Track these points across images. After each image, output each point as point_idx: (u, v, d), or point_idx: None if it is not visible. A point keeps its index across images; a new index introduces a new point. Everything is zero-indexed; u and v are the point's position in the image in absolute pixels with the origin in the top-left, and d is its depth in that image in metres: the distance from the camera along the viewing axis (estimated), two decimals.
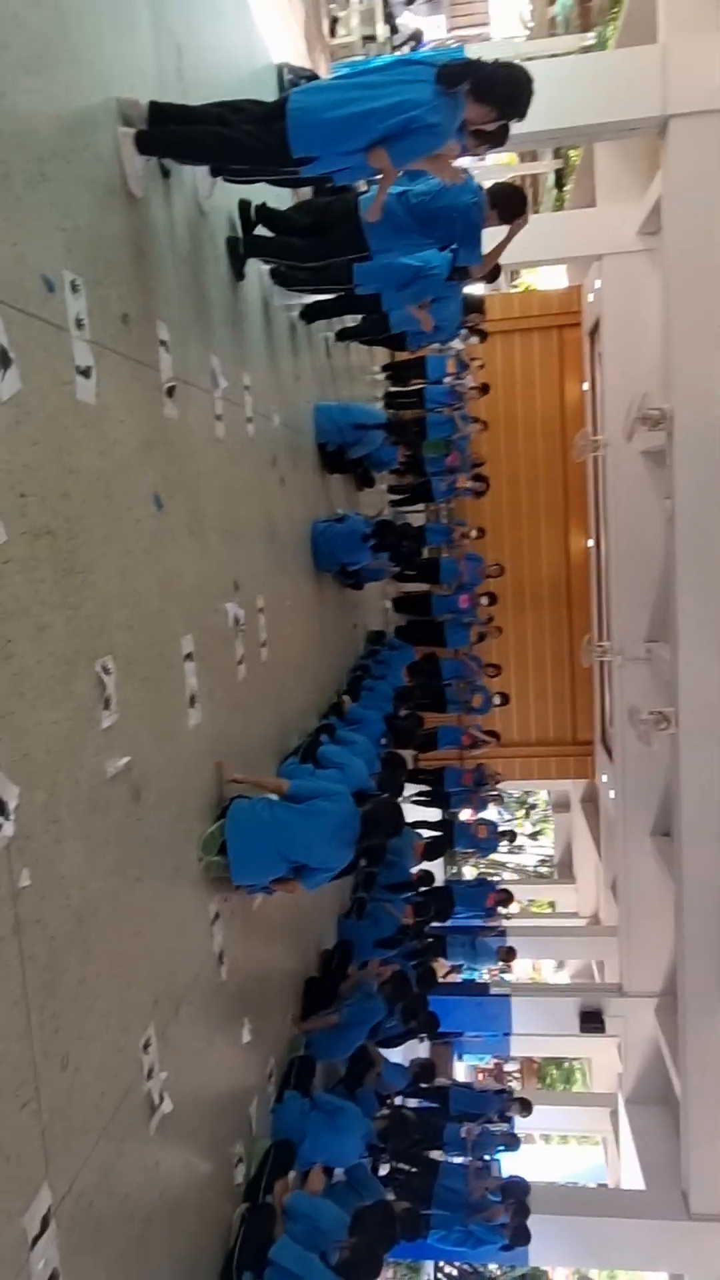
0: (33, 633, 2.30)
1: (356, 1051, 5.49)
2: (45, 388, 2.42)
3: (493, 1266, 14.85)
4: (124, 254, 3.05)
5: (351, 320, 7.35)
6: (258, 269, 5.00)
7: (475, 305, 8.31)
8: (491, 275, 7.04)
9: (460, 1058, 14.19)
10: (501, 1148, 6.63)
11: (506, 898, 9.85)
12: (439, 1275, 15.03)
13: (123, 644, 2.85)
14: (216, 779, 3.81)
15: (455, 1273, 15.16)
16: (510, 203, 4.52)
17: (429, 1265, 13.44)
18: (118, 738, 2.77)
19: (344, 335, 7.50)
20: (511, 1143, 6.75)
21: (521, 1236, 5.99)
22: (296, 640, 5.71)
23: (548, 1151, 18.91)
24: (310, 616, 6.25)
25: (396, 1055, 7.06)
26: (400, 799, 6.36)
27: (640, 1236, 7.86)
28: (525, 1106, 7.61)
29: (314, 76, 6.00)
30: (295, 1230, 3.69)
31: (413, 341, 7.91)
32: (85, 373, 2.65)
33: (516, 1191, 6.13)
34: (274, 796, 4.03)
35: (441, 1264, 13.81)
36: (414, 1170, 6.25)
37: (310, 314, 6.20)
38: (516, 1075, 16.81)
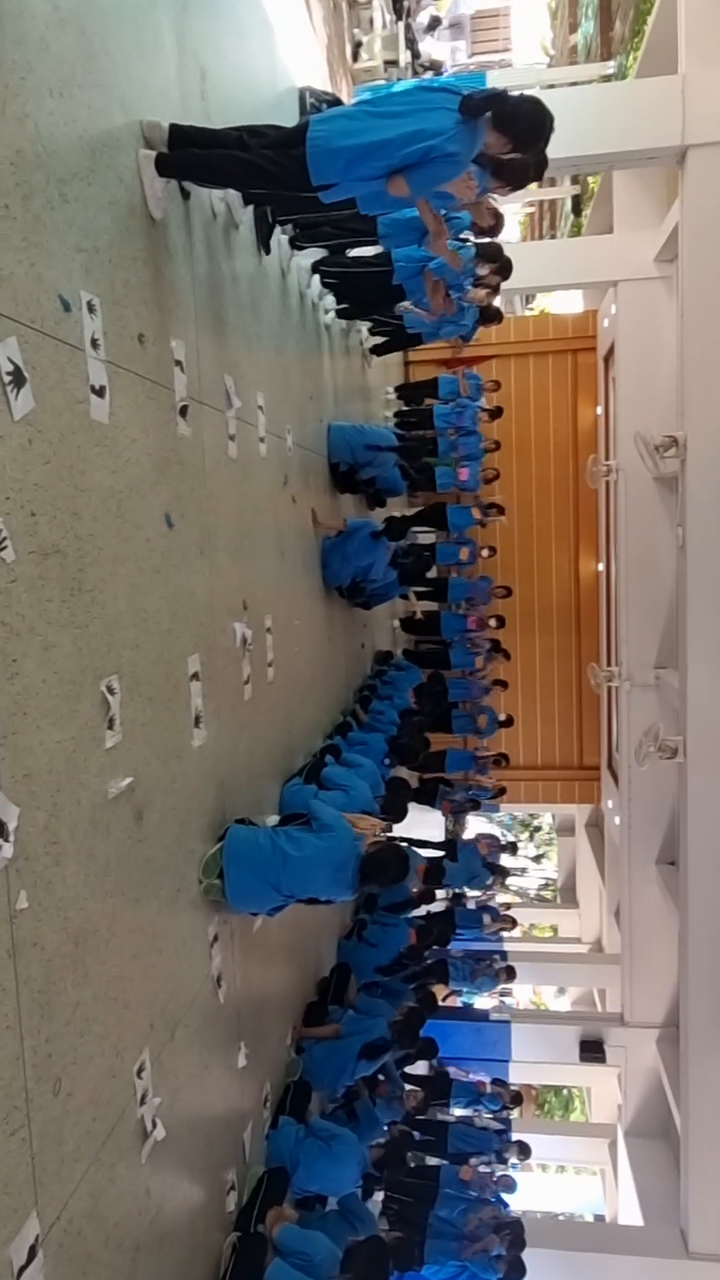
0: (39, 651, 2.29)
1: (354, 1085, 5.42)
2: (59, 407, 2.42)
3: None
4: (142, 274, 3.06)
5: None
6: (279, 290, 5.04)
7: (492, 316, 8.29)
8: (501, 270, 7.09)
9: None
10: (499, 1192, 6.53)
11: (509, 923, 9.80)
12: None
13: (129, 663, 2.84)
14: (219, 799, 3.79)
15: None
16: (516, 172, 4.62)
17: None
18: (121, 758, 2.75)
19: (377, 350, 7.52)
20: (509, 1186, 6.66)
21: (516, 1271, 5.89)
22: (304, 660, 5.69)
23: (545, 1180, 18.67)
24: (318, 636, 6.23)
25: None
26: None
27: (638, 1274, 7.71)
28: (524, 1151, 7.53)
29: (336, 100, 6.05)
30: (288, 1262, 3.63)
31: (426, 333, 7.84)
32: (99, 392, 2.66)
33: (512, 1228, 6.04)
34: (273, 821, 4.01)
35: None
36: (409, 1200, 6.17)
37: (345, 313, 6.20)
38: (516, 1114, 16.60)
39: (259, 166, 3.22)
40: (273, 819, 4.34)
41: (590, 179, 13.46)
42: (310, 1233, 3.83)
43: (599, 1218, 14.38)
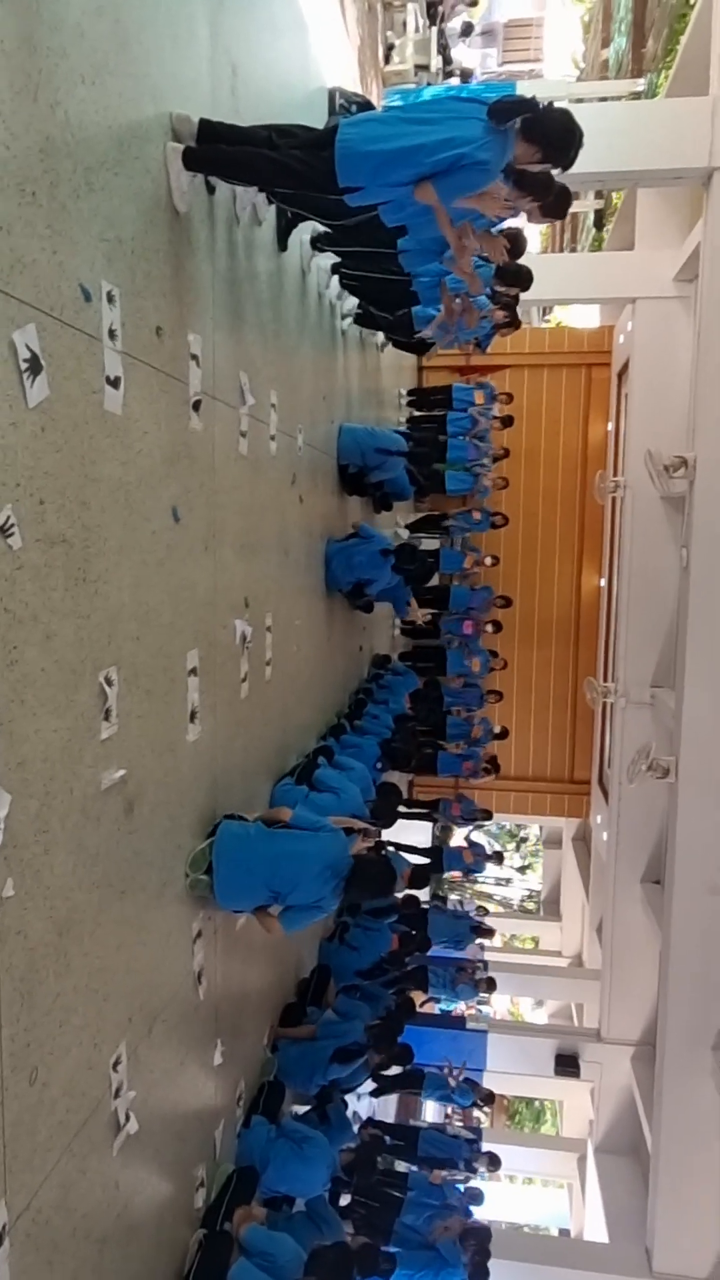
0: (40, 640, 2.28)
1: (326, 1087, 5.41)
2: (73, 396, 2.42)
3: None
4: (163, 267, 3.06)
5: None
6: (298, 289, 5.03)
7: (509, 322, 8.27)
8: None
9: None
10: (469, 1203, 6.52)
11: (488, 931, 9.82)
12: None
13: (129, 655, 2.84)
14: (211, 795, 3.79)
15: None
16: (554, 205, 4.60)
17: None
18: (115, 749, 2.75)
19: (362, 321, 7.53)
20: (476, 1197, 6.66)
21: (481, 1272, 5.89)
22: (302, 659, 5.69)
23: (513, 1191, 18.66)
24: (318, 636, 6.23)
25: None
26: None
27: None
28: (494, 1162, 7.54)
29: (366, 103, 6.06)
30: (253, 1262, 3.63)
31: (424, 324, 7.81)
32: (114, 383, 2.65)
33: (479, 1237, 6.03)
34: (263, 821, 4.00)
35: None
36: (376, 1205, 6.16)
37: (362, 319, 6.23)
38: (486, 1112, 16.61)
39: (287, 166, 3.22)
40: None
41: (614, 194, 13.47)
42: (276, 1234, 3.83)
43: (564, 1232, 14.39)
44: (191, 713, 3.50)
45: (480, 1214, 6.48)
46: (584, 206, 16.17)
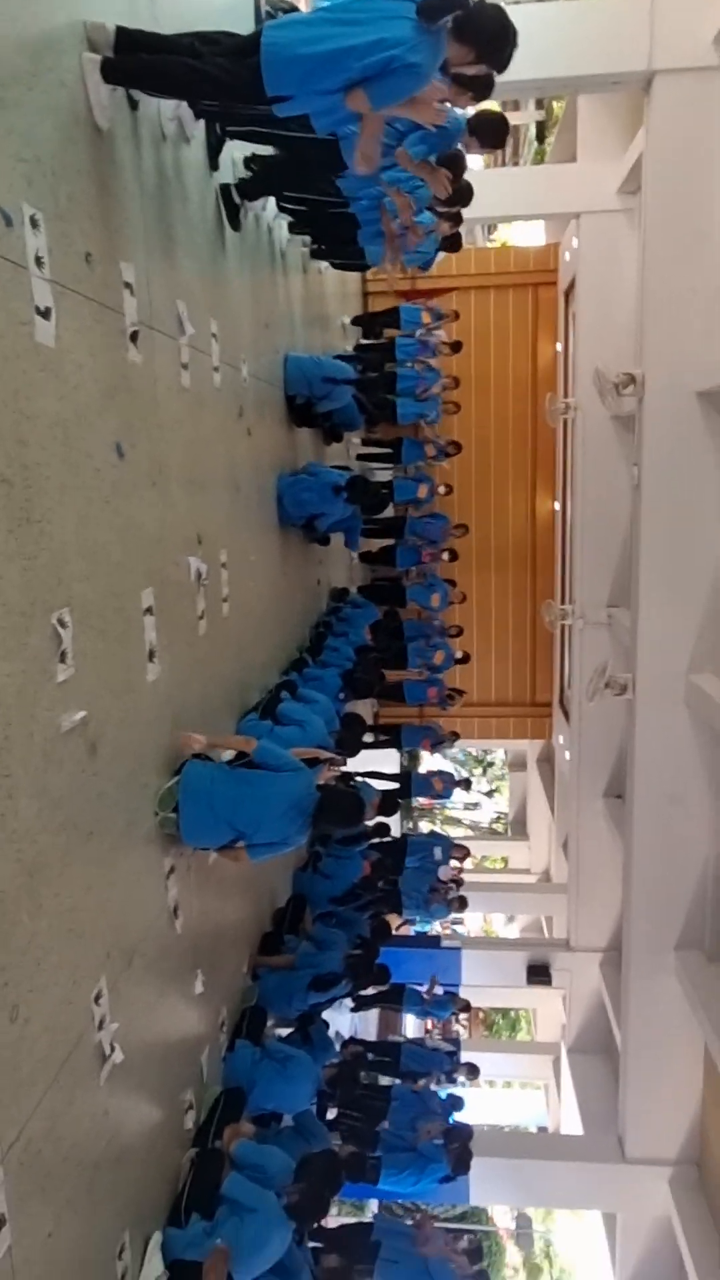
0: None
1: (309, 1010, 5.57)
2: (2, 328, 2.33)
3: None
4: (88, 189, 2.92)
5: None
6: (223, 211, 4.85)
7: (453, 242, 8.09)
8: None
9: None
10: (448, 1107, 6.83)
11: (463, 853, 10.07)
12: (383, 1212, 15.53)
13: (80, 596, 2.79)
14: (175, 735, 3.79)
15: (401, 1210, 15.68)
16: (490, 131, 4.47)
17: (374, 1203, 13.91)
18: (74, 692, 2.72)
19: (318, 255, 7.35)
20: (456, 1104, 6.97)
21: (463, 1163, 6.20)
22: (259, 595, 5.66)
23: (492, 1096, 19.55)
24: (274, 571, 6.19)
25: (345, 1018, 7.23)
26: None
27: (577, 1178, 8.18)
28: (472, 1072, 7.87)
29: (293, 8, 5.76)
30: (244, 1174, 3.77)
31: (375, 259, 7.65)
32: (45, 314, 2.55)
33: (460, 1135, 6.34)
34: (229, 756, 4.01)
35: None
36: (361, 1115, 6.42)
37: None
38: (464, 1023, 17.29)
39: (211, 75, 3.07)
40: (227, 755, 4.35)
41: (555, 104, 13.10)
42: (265, 1147, 3.98)
43: (542, 1129, 15.17)
44: (150, 652, 3.47)
45: (461, 1119, 6.80)
46: (525, 118, 15.74)
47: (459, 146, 4.77)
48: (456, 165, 5.12)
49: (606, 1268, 8.72)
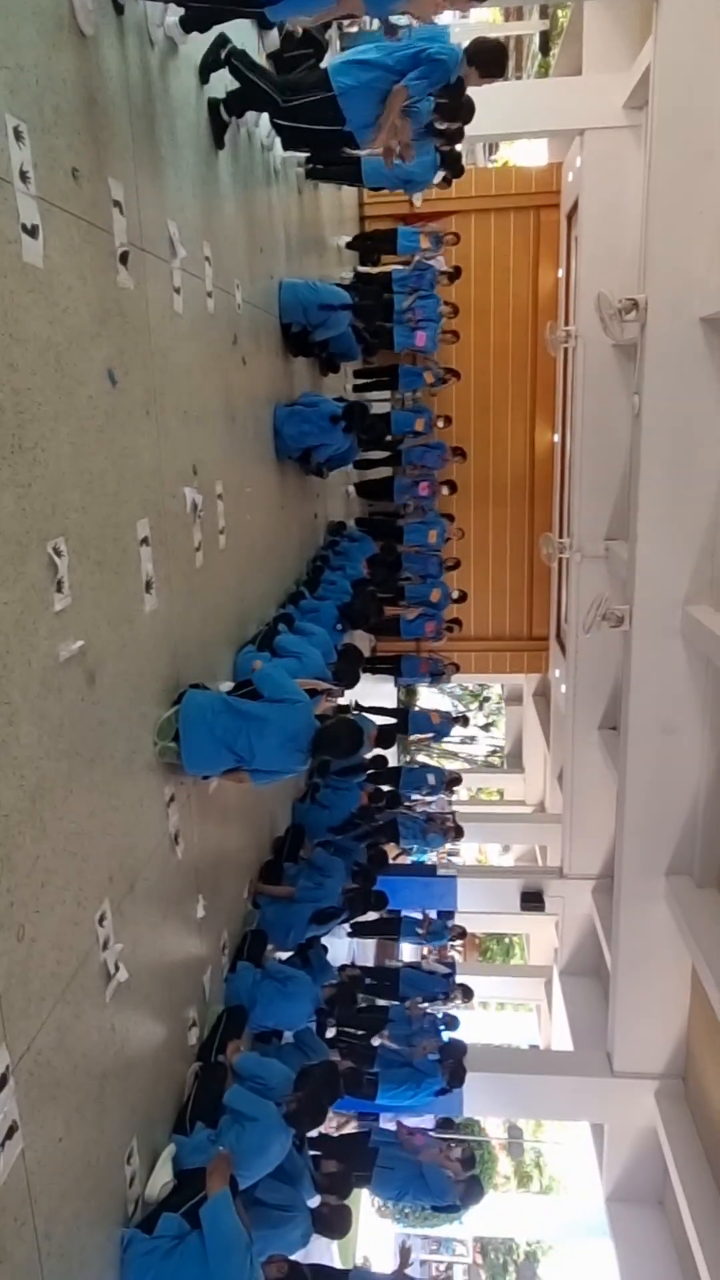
0: None
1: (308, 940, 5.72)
2: None
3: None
4: (73, 100, 2.81)
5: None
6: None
7: (453, 163, 7.82)
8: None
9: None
10: (443, 1025, 7.07)
11: (456, 779, 10.27)
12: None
13: (76, 525, 2.78)
14: (172, 665, 3.81)
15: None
16: (488, 59, 4.29)
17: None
18: (71, 621, 2.73)
19: (313, 174, 7.14)
20: (451, 1022, 7.22)
21: (457, 1077, 6.46)
22: (256, 528, 5.63)
23: (486, 1017, 20.23)
24: (270, 504, 6.14)
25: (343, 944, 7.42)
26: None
27: (567, 1091, 8.51)
28: (467, 994, 8.13)
29: None
30: (246, 1086, 3.93)
31: (371, 179, 7.40)
32: (32, 232, 2.49)
33: (455, 1051, 6.59)
34: (227, 687, 4.05)
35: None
36: (359, 1033, 6.66)
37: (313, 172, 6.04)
38: (460, 949, 17.81)
39: None
40: (226, 686, 4.39)
41: (560, 13, 12.51)
42: (267, 1060, 4.14)
43: (534, 1048, 15.74)
44: (146, 583, 3.47)
45: (455, 1036, 7.06)
46: (529, 27, 15.06)
47: (458, 76, 4.57)
48: (456, 92, 4.92)
49: (594, 1176, 9.14)
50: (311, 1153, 5.02)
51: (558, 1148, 18.60)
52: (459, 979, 8.41)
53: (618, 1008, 8.03)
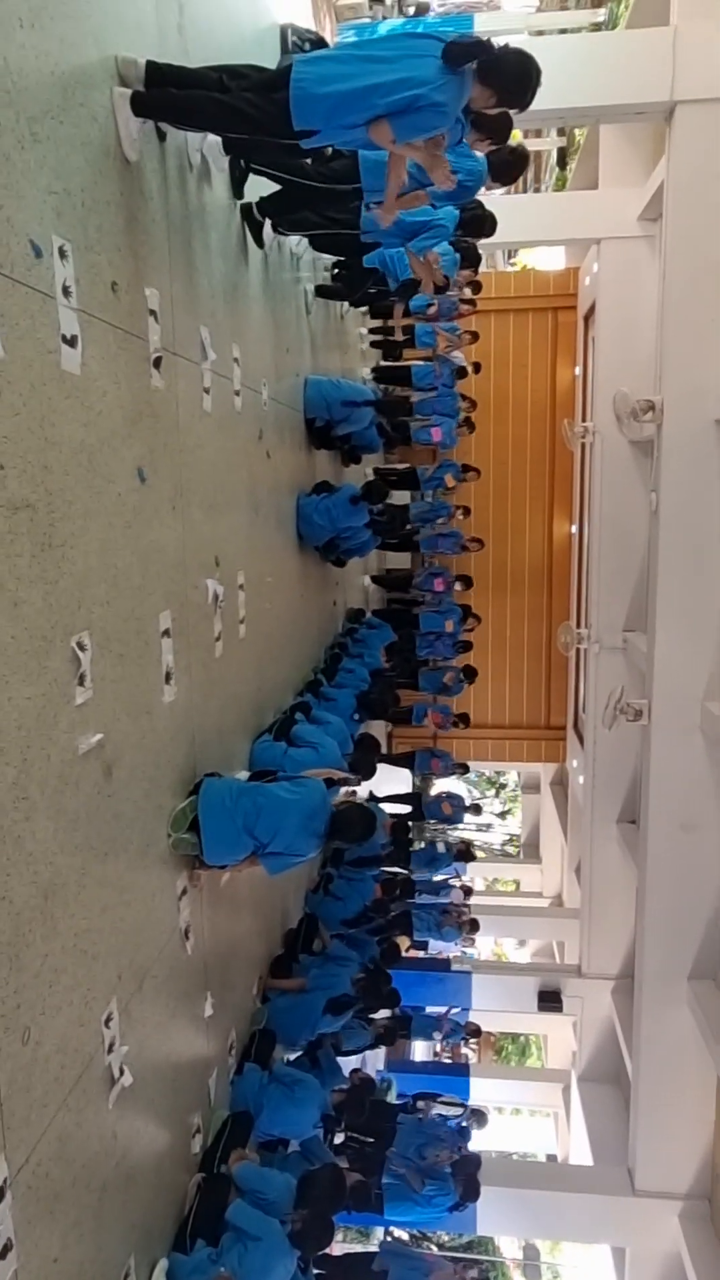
0: (8, 607, 2.27)
1: (317, 1039, 5.54)
2: (29, 356, 2.37)
3: (443, 1236, 15.18)
4: (116, 219, 2.98)
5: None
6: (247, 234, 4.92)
7: (472, 259, 8.14)
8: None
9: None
10: (459, 1139, 6.71)
11: (468, 854, 10.11)
12: (388, 1238, 15.36)
13: (100, 619, 2.82)
14: (189, 755, 3.81)
15: (405, 1236, 15.49)
16: (506, 169, 4.56)
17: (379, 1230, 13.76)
18: (91, 714, 2.75)
19: (323, 292, 7.43)
20: (464, 1133, 6.85)
21: (471, 1191, 6.10)
22: (276, 617, 5.68)
23: (500, 1122, 19.31)
24: (291, 593, 6.22)
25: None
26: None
27: (586, 1210, 8.06)
28: (481, 1119, 7.74)
29: (319, 40, 5.86)
30: (247, 1200, 3.75)
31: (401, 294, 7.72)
32: (71, 342, 2.60)
33: (469, 1165, 6.27)
34: (244, 776, 4.04)
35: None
36: (368, 1140, 6.35)
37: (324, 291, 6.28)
38: (474, 1047, 17.16)
39: (239, 110, 3.13)
40: (243, 775, 4.37)
41: (577, 131, 13.20)
42: (266, 1170, 3.95)
43: (551, 1158, 14.96)
44: (166, 674, 3.50)
45: (470, 1146, 6.71)
46: (547, 145, 15.85)
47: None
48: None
49: None
50: (316, 1272, 4.76)
51: (575, 1271, 17.49)
52: (473, 1082, 8.04)
53: (639, 1121, 7.67)
